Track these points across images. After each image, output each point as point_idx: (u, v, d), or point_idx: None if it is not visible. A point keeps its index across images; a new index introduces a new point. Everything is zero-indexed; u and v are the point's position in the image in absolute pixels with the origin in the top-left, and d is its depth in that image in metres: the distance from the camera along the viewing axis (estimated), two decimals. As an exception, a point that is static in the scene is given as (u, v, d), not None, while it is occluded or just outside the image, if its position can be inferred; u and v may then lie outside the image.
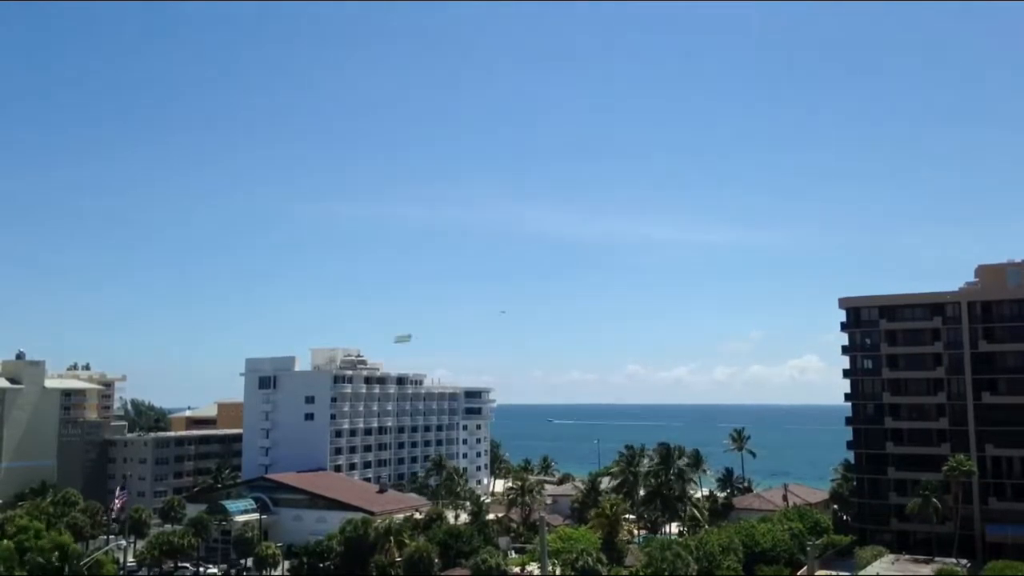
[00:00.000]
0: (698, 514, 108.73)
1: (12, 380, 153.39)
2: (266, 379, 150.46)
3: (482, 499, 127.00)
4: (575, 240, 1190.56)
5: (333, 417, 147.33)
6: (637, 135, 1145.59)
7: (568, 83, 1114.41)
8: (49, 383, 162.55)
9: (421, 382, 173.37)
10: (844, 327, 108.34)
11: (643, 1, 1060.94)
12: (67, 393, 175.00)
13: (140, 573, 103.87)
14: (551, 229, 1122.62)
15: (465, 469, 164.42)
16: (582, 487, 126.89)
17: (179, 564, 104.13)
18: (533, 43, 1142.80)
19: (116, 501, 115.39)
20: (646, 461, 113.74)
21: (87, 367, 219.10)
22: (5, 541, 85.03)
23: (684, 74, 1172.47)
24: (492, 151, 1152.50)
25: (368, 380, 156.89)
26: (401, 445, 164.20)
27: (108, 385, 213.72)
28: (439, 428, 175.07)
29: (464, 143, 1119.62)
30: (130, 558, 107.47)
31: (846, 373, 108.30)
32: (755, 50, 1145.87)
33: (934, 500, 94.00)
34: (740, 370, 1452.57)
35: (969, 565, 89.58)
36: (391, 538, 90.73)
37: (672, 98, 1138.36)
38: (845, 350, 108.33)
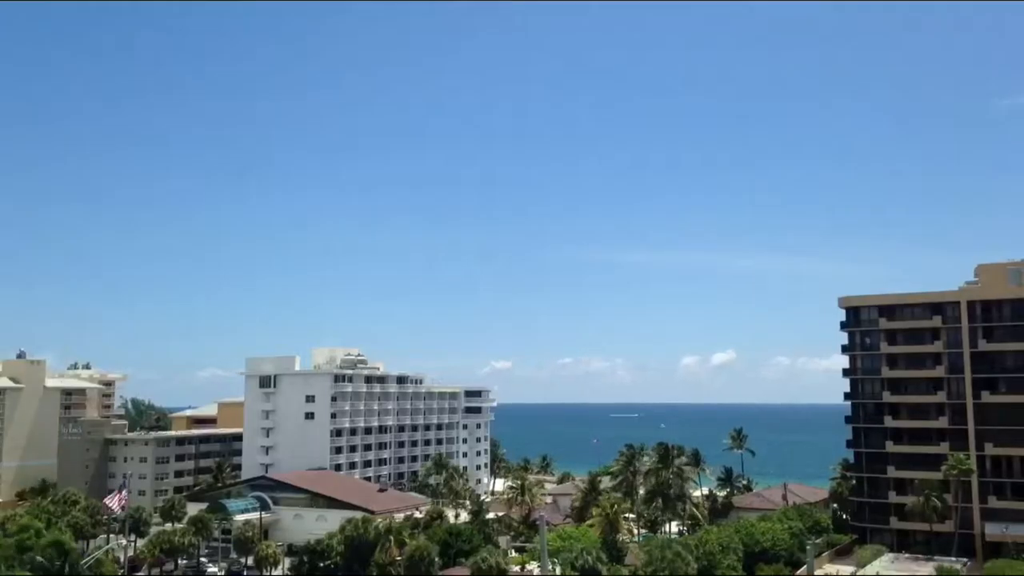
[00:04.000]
0: (698, 513, 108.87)
1: (13, 380, 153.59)
2: (266, 379, 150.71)
3: (482, 498, 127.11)
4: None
5: (333, 416, 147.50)
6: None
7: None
8: (50, 382, 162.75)
9: (421, 381, 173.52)
10: (844, 326, 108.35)
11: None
12: (68, 392, 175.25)
13: (140, 572, 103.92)
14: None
15: (465, 468, 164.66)
16: (582, 486, 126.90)
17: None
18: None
19: (113, 500, 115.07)
20: (646, 460, 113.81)
21: (87, 367, 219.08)
22: (6, 540, 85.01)
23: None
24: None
25: (368, 380, 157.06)
26: (401, 444, 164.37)
27: (108, 384, 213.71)
28: (439, 427, 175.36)
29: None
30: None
31: (846, 372, 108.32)
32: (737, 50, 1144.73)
33: (934, 499, 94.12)
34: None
35: (969, 564, 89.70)
36: (391, 537, 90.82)
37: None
38: (845, 349, 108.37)
